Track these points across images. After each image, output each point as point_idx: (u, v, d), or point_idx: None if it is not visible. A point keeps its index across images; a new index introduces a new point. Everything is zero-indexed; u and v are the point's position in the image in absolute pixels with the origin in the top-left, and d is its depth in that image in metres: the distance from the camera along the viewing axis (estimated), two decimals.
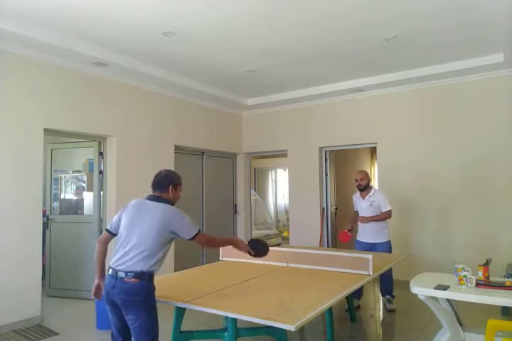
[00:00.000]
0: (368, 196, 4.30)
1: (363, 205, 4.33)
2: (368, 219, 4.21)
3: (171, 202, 2.42)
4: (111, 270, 2.28)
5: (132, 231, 2.29)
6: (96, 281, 2.42)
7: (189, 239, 2.34)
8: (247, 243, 2.73)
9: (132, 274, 2.20)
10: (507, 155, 4.82)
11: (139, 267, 2.21)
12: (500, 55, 4.47)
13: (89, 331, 3.71)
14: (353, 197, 4.54)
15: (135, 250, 2.24)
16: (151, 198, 2.41)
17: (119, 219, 2.40)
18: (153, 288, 2.28)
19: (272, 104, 6.53)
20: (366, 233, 4.30)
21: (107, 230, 2.45)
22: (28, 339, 3.50)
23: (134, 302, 2.19)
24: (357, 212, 4.49)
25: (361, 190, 4.36)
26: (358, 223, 4.39)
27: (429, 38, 4.09)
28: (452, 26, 3.82)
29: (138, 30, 3.80)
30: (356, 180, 4.36)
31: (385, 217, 4.22)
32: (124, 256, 2.26)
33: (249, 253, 2.70)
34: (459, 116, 5.17)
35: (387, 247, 4.26)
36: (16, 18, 3.48)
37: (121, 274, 2.22)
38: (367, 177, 4.35)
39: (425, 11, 3.48)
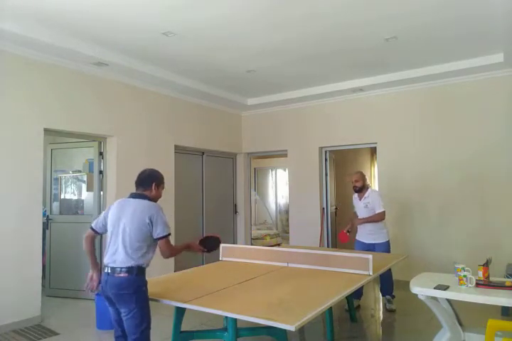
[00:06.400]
0: (363, 197, 4.32)
1: (359, 206, 4.36)
2: (361, 222, 4.23)
3: (152, 199, 2.52)
4: (105, 267, 2.38)
5: (117, 228, 2.39)
6: (90, 272, 2.53)
7: (156, 238, 2.39)
8: (199, 243, 2.80)
9: (122, 269, 2.31)
10: (507, 155, 4.82)
11: (128, 262, 2.31)
12: (500, 55, 4.47)
13: (89, 331, 3.71)
14: (353, 198, 4.57)
15: (122, 245, 2.34)
16: (133, 195, 2.51)
17: (105, 219, 2.50)
18: (143, 282, 2.37)
19: (272, 104, 6.53)
20: (365, 233, 4.32)
21: (91, 228, 2.53)
22: (28, 339, 3.50)
23: (124, 296, 2.30)
24: (355, 212, 4.54)
25: (356, 192, 4.39)
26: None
27: (429, 37, 4.09)
28: (452, 26, 3.82)
29: (138, 30, 3.80)
30: (352, 182, 4.39)
31: (377, 218, 4.21)
32: (114, 254, 2.36)
33: (203, 251, 2.78)
34: (459, 116, 5.17)
35: (385, 247, 4.26)
36: (16, 18, 3.47)
37: (113, 270, 2.33)
38: (362, 179, 4.35)
39: (425, 10, 3.48)
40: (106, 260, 2.39)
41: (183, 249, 2.68)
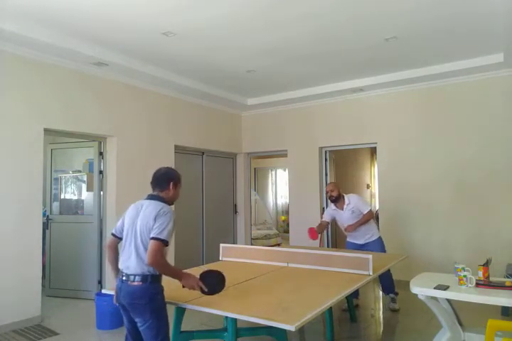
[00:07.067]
0: (345, 205, 4.28)
1: (345, 215, 4.29)
2: (354, 227, 4.18)
3: (169, 200, 2.38)
4: (120, 273, 2.28)
5: (132, 234, 2.27)
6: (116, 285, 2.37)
7: (150, 238, 2.16)
8: (199, 278, 2.33)
9: (135, 277, 2.19)
10: (507, 155, 4.82)
11: (142, 270, 2.19)
12: (500, 55, 4.47)
13: (89, 331, 3.71)
14: (328, 210, 4.49)
15: (135, 253, 2.22)
16: (148, 197, 2.37)
17: (123, 223, 2.38)
18: (159, 290, 2.25)
19: (272, 104, 6.53)
20: (356, 235, 4.29)
21: (112, 234, 2.42)
22: (28, 339, 3.50)
23: (138, 305, 2.18)
24: (327, 222, 4.46)
25: (333, 201, 4.35)
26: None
27: (429, 37, 4.09)
28: (452, 26, 3.82)
29: (138, 30, 3.80)
30: (327, 192, 4.39)
31: (368, 218, 4.21)
32: (127, 260, 2.25)
33: (201, 291, 2.30)
34: (459, 116, 5.16)
35: (379, 244, 4.27)
36: (16, 18, 3.48)
37: (126, 277, 2.22)
38: (336, 189, 4.32)
39: (425, 10, 3.48)
40: (120, 265, 2.29)
41: (176, 273, 2.29)
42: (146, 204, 2.31)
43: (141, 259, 2.20)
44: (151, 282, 2.20)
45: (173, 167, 5.53)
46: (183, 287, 2.31)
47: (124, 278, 2.23)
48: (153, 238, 2.15)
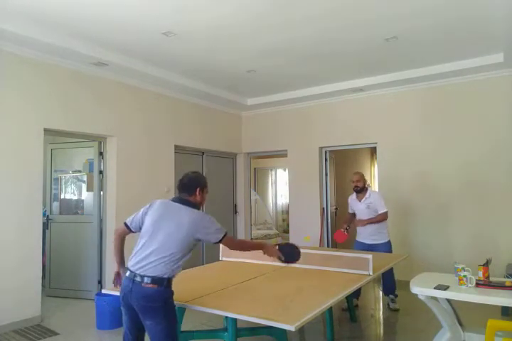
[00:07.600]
0: (364, 198, 4.30)
1: (360, 207, 4.32)
2: (364, 223, 4.19)
3: (197, 205, 2.36)
4: (129, 272, 2.21)
5: (155, 235, 2.21)
6: (116, 269, 2.42)
7: (216, 242, 2.30)
8: (277, 248, 2.60)
9: (151, 279, 2.13)
10: (507, 155, 4.82)
11: (159, 272, 2.14)
12: (500, 55, 4.47)
13: (89, 331, 3.70)
14: (349, 200, 4.55)
15: (156, 254, 2.16)
16: (177, 200, 2.34)
17: (142, 218, 2.32)
18: (171, 294, 2.21)
19: (272, 104, 6.53)
20: (366, 234, 4.29)
21: (126, 225, 2.36)
22: (28, 339, 3.50)
23: (152, 308, 2.13)
24: (352, 213, 4.49)
25: (357, 192, 4.36)
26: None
27: (429, 37, 4.09)
28: (452, 26, 3.82)
29: (138, 30, 3.80)
30: (353, 182, 4.38)
31: (381, 218, 4.21)
32: (143, 260, 2.18)
33: (280, 259, 2.59)
34: (459, 116, 5.16)
35: (387, 247, 4.25)
36: (16, 18, 3.47)
37: (140, 278, 2.14)
38: (363, 179, 4.35)
39: (426, 10, 3.48)
40: (133, 264, 2.20)
41: (256, 247, 2.57)
42: (178, 209, 2.28)
43: (163, 263, 2.15)
44: (166, 286, 2.16)
45: (172, 168, 5.52)
46: (264, 254, 2.57)
47: (136, 278, 2.15)
48: (219, 241, 2.29)
